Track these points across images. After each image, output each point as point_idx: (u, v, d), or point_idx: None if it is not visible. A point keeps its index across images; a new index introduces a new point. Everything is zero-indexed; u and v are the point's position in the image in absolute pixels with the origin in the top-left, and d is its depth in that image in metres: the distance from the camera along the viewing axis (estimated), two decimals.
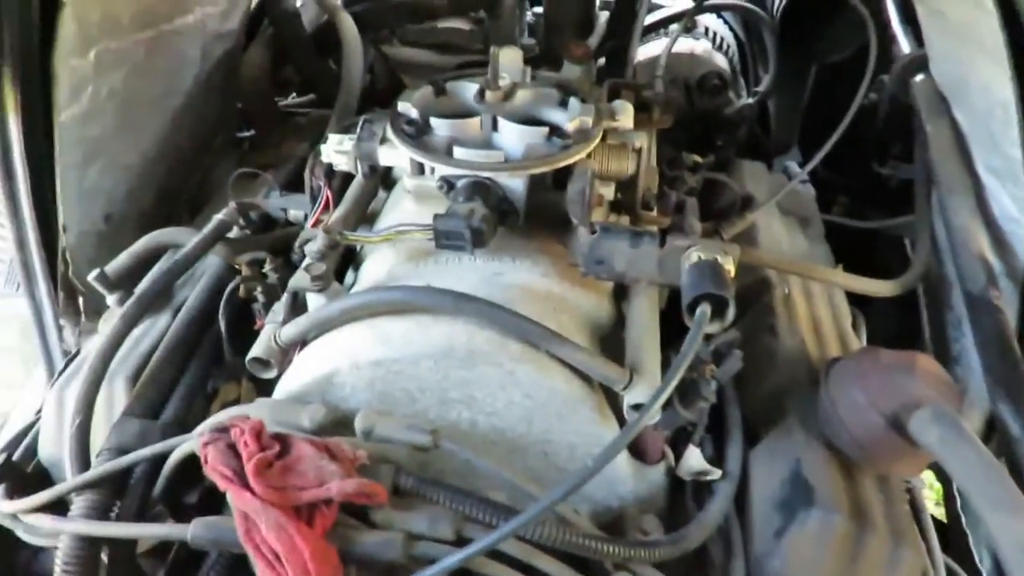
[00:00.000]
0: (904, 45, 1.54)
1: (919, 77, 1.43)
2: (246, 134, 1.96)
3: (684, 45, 1.94)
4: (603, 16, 1.97)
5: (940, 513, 1.41)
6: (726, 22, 2.23)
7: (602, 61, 1.87)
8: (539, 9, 1.99)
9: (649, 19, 1.93)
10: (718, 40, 2.11)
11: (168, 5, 1.52)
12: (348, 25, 1.74)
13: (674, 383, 0.85)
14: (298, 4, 1.88)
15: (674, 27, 1.97)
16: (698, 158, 1.38)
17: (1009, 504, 0.79)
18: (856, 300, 1.35)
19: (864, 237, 1.70)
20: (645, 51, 1.97)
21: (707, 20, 2.17)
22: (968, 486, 0.83)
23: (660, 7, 2.06)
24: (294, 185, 1.41)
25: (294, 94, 2.13)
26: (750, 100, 1.95)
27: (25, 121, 1.28)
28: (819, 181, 1.82)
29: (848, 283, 1.27)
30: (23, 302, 1.44)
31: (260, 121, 1.90)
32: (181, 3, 1.55)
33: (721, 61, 2.00)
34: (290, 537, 0.81)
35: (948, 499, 1.38)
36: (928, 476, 1.61)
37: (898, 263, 1.62)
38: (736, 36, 2.21)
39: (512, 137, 1.08)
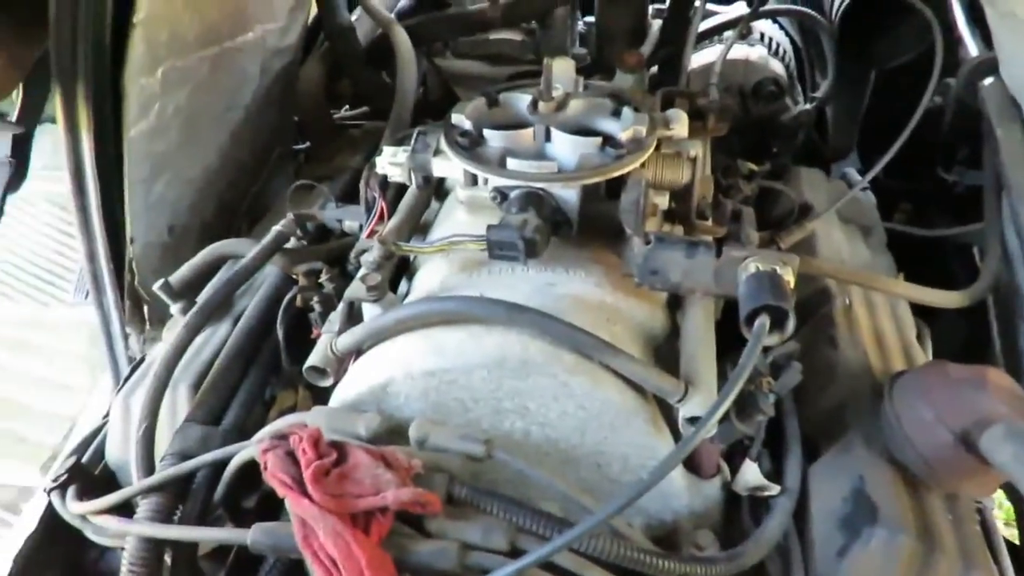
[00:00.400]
0: (971, 47, 1.49)
1: (988, 80, 1.38)
2: (302, 146, 2.01)
3: (739, 51, 1.91)
4: (655, 24, 1.96)
5: (1012, 534, 1.35)
6: (782, 27, 2.19)
7: (655, 69, 1.86)
8: (591, 18, 1.98)
9: (703, 26, 1.90)
10: (774, 46, 2.07)
11: (230, 23, 1.57)
12: (402, 38, 1.76)
13: (732, 397, 0.83)
14: (353, 19, 1.92)
15: (728, 33, 1.94)
16: (754, 166, 1.35)
17: None
18: (921, 311, 1.30)
19: (929, 245, 1.64)
20: (699, 58, 1.94)
21: (762, 25, 2.13)
22: None
23: (714, 13, 2.04)
24: (349, 196, 1.43)
25: (347, 106, 2.17)
26: (807, 106, 1.91)
27: (97, 138, 1.34)
28: (880, 187, 1.77)
29: (912, 294, 1.23)
30: (92, 311, 1.50)
31: (316, 134, 1.94)
32: (242, 21, 1.60)
33: (777, 67, 1.96)
34: (347, 544, 0.82)
35: (1022, 519, 1.32)
36: (998, 494, 1.54)
37: (966, 272, 1.56)
38: (792, 41, 2.17)
39: (565, 147, 1.07)
